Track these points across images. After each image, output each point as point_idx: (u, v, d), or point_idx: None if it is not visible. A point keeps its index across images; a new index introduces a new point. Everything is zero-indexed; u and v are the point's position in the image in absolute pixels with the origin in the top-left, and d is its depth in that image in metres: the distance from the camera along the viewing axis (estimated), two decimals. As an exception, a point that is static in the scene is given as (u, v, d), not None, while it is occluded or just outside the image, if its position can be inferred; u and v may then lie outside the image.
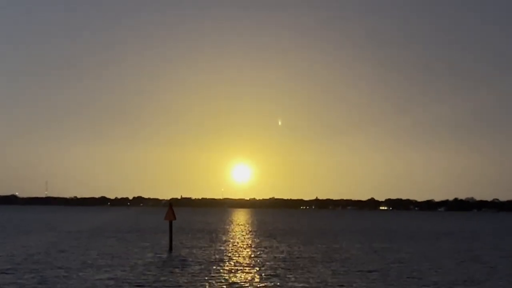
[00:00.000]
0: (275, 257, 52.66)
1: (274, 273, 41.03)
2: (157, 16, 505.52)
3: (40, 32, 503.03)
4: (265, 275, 40.31)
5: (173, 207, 58.17)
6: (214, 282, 36.70)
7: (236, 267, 44.36)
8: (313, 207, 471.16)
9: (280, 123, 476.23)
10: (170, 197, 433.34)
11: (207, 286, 34.90)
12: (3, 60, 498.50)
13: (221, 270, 42.42)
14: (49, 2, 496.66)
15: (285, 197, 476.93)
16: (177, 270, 42.12)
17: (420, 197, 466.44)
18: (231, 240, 75.02)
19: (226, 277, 38.88)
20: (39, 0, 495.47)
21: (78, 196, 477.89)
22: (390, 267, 45.57)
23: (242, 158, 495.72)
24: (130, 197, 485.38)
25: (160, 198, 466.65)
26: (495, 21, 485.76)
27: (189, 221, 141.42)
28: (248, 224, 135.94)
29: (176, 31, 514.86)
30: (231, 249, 60.56)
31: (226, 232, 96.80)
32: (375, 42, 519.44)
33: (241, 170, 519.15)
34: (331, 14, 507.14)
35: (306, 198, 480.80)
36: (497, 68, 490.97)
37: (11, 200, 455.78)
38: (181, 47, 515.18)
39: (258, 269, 43.59)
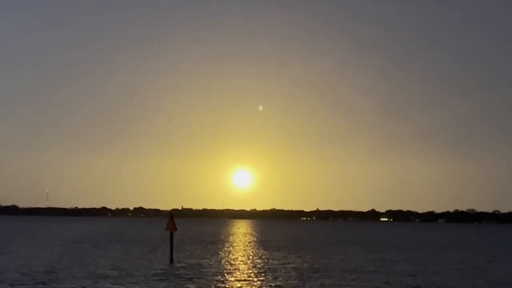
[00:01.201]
0: (277, 268, 52.30)
1: (278, 285, 40.72)
2: (156, 30, 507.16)
3: (42, 43, 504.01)
4: (268, 286, 39.99)
5: (174, 218, 57.85)
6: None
7: (237, 279, 44.05)
8: (314, 218, 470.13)
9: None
10: (171, 208, 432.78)
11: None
12: (3, 72, 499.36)
13: (223, 281, 42.10)
14: (54, 15, 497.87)
15: (286, 208, 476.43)
16: (178, 281, 41.81)
17: (421, 209, 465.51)
18: (232, 251, 74.72)
19: (228, 289, 38.60)
20: (46, 16, 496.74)
21: (79, 207, 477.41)
22: (399, 280, 45.15)
23: (243, 166, 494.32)
24: (131, 208, 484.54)
25: (161, 208, 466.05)
26: (484, 28, 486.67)
27: (190, 232, 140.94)
28: (249, 235, 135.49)
29: (175, 43, 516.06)
30: (233, 260, 60.25)
31: (227, 243, 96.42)
32: (377, 44, 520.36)
33: (242, 177, 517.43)
34: (324, 22, 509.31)
35: (306, 209, 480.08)
36: (498, 72, 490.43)
37: (11, 211, 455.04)
38: (180, 59, 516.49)
39: (260, 280, 43.27)
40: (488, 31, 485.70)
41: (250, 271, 49.45)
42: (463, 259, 69.04)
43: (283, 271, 49.54)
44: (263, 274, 47.21)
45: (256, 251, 76.47)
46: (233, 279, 43.91)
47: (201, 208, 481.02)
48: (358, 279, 44.56)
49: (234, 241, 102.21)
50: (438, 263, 62.05)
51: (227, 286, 40.04)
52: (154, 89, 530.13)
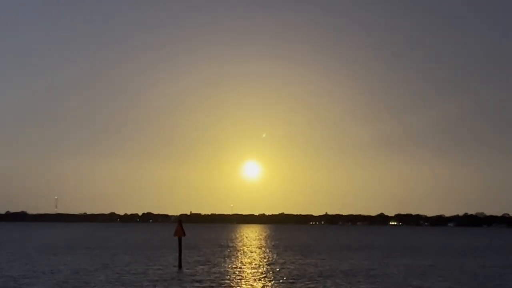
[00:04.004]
0: (289, 273, 52.02)
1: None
2: (157, 34, 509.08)
3: (52, 50, 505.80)
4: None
5: (183, 223, 57.81)
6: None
7: (246, 284, 43.86)
8: (323, 223, 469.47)
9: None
10: (180, 213, 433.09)
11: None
12: (12, 79, 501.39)
13: (232, 286, 41.94)
14: (62, 23, 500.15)
15: (295, 213, 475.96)
16: (186, 286, 41.70)
17: (430, 212, 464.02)
18: (241, 256, 74.42)
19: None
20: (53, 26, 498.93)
21: (88, 213, 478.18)
22: (432, 285, 44.74)
23: (251, 170, 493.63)
24: (140, 213, 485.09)
25: (170, 214, 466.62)
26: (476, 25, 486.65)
27: (198, 237, 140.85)
28: (258, 239, 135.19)
29: (175, 46, 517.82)
30: (241, 265, 60.02)
31: (235, 248, 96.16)
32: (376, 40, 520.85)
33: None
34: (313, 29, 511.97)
35: (315, 214, 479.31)
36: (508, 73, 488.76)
37: (20, 217, 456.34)
38: (186, 66, 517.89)
39: (270, 285, 43.05)
40: (490, 22, 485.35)
41: (259, 276, 49.21)
42: (483, 263, 68.47)
43: (295, 276, 49.28)
44: (272, 279, 46.96)
45: (265, 255, 76.14)
46: (241, 284, 43.70)
47: (209, 213, 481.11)
48: (385, 283, 44.26)
49: (243, 246, 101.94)
50: (460, 268, 61.61)
51: (236, 291, 39.85)
52: (160, 96, 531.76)
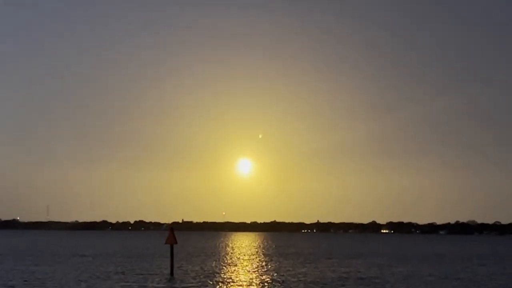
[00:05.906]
0: (284, 280, 52.14)
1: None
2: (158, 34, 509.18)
3: (40, 57, 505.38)
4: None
5: (174, 231, 57.99)
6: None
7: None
8: (315, 231, 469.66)
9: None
10: (172, 221, 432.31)
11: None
12: (5, 85, 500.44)
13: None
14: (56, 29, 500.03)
15: (287, 220, 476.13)
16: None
17: (422, 220, 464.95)
18: (233, 264, 74.54)
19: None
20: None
21: (79, 220, 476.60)
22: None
23: (243, 178, 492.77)
24: (132, 221, 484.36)
25: (162, 222, 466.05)
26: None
27: (190, 245, 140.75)
28: (250, 247, 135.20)
29: (178, 49, 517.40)
30: (233, 273, 60.18)
31: (227, 255, 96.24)
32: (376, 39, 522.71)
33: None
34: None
35: (307, 222, 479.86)
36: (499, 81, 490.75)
37: (12, 225, 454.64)
38: (180, 71, 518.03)
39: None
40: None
41: (252, 284, 49.40)
42: (480, 270, 68.82)
43: (292, 284, 49.45)
44: (265, 287, 47.17)
45: (257, 263, 76.20)
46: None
47: (201, 221, 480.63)
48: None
49: (235, 254, 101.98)
50: (455, 274, 61.94)
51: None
52: (153, 104, 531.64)
